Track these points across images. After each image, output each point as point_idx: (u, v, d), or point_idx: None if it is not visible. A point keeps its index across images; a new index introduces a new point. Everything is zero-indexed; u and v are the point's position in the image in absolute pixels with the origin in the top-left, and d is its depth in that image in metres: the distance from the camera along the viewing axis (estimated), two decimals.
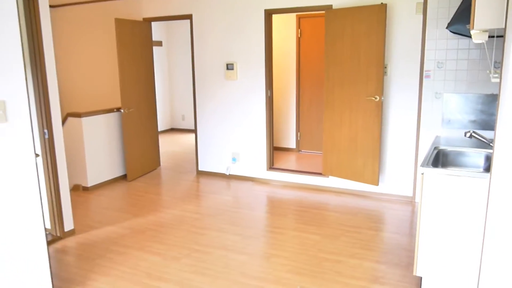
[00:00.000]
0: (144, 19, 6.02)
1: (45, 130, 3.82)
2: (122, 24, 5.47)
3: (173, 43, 9.50)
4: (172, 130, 9.92)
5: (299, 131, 6.71)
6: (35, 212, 2.73)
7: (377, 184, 4.72)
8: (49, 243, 3.93)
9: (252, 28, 5.30)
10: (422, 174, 2.78)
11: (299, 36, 6.42)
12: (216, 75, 5.68)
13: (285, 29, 6.50)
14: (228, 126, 5.74)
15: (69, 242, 3.97)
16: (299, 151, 6.74)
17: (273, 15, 6.33)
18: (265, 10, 5.17)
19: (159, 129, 9.56)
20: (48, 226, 4.08)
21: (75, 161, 5.44)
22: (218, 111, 5.76)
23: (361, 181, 4.83)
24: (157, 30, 9.26)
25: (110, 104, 6.55)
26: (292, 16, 6.38)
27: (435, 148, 3.32)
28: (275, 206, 4.77)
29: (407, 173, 4.76)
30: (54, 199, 3.97)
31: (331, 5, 4.79)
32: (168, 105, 9.84)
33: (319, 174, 5.27)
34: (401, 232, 3.98)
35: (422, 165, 2.80)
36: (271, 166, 5.65)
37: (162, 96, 9.63)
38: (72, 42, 6.90)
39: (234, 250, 3.69)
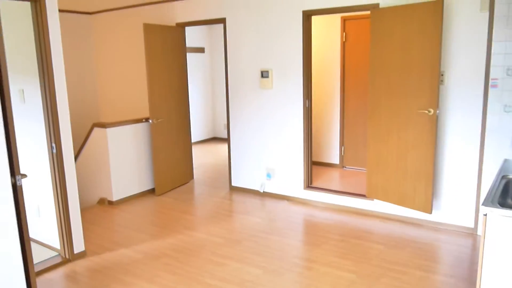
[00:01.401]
0: (177, 24, 5.69)
1: (53, 144, 3.51)
2: (151, 30, 5.15)
3: (216, 49, 9.16)
4: (214, 139, 9.57)
5: (343, 145, 6.06)
6: (10, 244, 2.37)
7: (430, 212, 4.01)
8: (56, 266, 3.64)
9: (289, 32, 4.78)
10: (485, 215, 2.12)
11: (344, 40, 5.80)
12: (250, 83, 5.20)
13: (329, 32, 5.90)
14: (263, 139, 5.24)
15: (77, 266, 3.64)
16: (343, 167, 6.09)
17: (314, 17, 5.78)
18: (303, 12, 4.63)
19: (200, 138, 9.26)
20: (58, 246, 3.79)
21: (101, 174, 5.17)
22: (252, 122, 5.28)
23: (411, 207, 4.13)
24: (200, 36, 8.97)
25: (147, 113, 6.26)
26: (336, 18, 5.77)
27: (503, 177, 2.62)
28: (309, 233, 4.20)
29: (467, 200, 4.01)
30: (62, 219, 3.66)
31: (378, 4, 4.16)
32: (210, 114, 9.52)
33: (363, 196, 4.63)
34: (458, 276, 3.26)
35: (485, 204, 2.14)
36: (309, 185, 5.07)
37: (204, 104, 9.31)
38: (110, 49, 6.72)
39: None
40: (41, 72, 3.43)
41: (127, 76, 6.54)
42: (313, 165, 6.21)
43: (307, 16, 4.66)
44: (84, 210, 5.06)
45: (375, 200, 4.50)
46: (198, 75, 9.05)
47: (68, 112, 3.58)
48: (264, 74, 5.02)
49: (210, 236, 4.15)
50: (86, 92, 6.93)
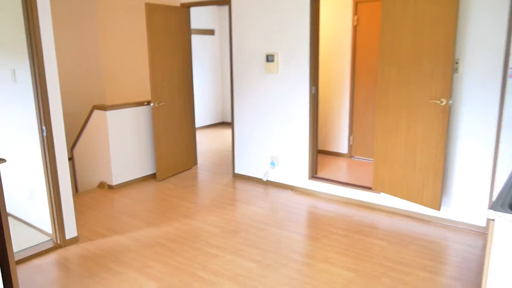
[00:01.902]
0: (181, 4, 5.48)
1: (43, 127, 3.38)
2: (153, 10, 4.95)
3: (226, 31, 8.93)
4: (223, 124, 9.41)
5: (351, 134, 5.83)
6: None
7: (438, 209, 3.79)
8: (47, 251, 3.55)
9: (296, 14, 4.53)
10: (493, 220, 1.91)
11: (355, 24, 5.51)
12: (255, 68, 4.99)
13: (339, 15, 5.61)
14: (267, 125, 5.04)
15: (68, 252, 3.54)
16: (351, 157, 5.86)
17: None
18: None
19: (208, 122, 9.11)
20: (50, 231, 3.69)
21: (101, 158, 5.06)
22: (257, 108, 5.08)
23: (419, 203, 3.92)
24: (209, 18, 8.74)
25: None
26: (348, 0, 5.47)
27: None
28: (310, 226, 4.02)
29: (479, 197, 3.77)
30: (54, 204, 3.55)
31: None
32: (219, 98, 9.33)
33: (369, 188, 4.42)
34: (464, 278, 3.06)
35: (494, 208, 1.93)
36: (313, 175, 4.87)
37: (213, 88, 9.13)
38: (116, 29, 6.55)
39: (244, 283, 3.01)
40: (30, 52, 3.28)
41: (134, 57, 6.38)
42: (321, 154, 6.01)
43: None
44: (83, 193, 4.97)
45: (381, 193, 4.29)
46: (207, 58, 8.86)
47: (59, 93, 3.43)
48: (269, 58, 4.80)
49: (206, 225, 4.01)
50: (92, 73, 6.80)
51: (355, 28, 5.51)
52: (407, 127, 3.88)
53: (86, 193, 4.97)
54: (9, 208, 4.22)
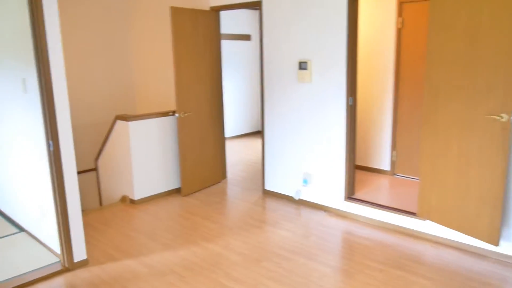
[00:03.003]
0: (211, 8, 5.16)
1: (50, 141, 3.13)
2: (179, 14, 4.66)
3: None
4: (259, 133, 9.03)
5: (394, 149, 5.26)
6: None
7: (497, 244, 3.20)
8: (53, 275, 3.31)
9: (332, 17, 4.08)
10: None
11: (400, 26, 4.95)
12: (287, 76, 4.57)
13: (381, 17, 5.06)
14: (299, 139, 4.61)
15: (75, 277, 3.26)
16: (393, 174, 5.29)
17: (363, 0, 5.05)
18: None
19: (244, 131, 8.76)
20: (59, 252, 3.44)
21: (123, 170, 4.81)
22: (289, 119, 4.66)
23: (472, 235, 3.34)
24: (246, 23, 8.41)
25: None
26: (391, 1, 4.93)
27: None
28: (343, 256, 3.54)
29: None
30: (61, 223, 3.29)
31: None
32: (255, 106, 8.97)
33: (413, 214, 3.88)
34: None
35: None
36: (350, 195, 4.38)
37: (249, 96, 8.78)
38: (149, 35, 6.34)
39: None
40: (37, 62, 3.04)
41: (165, 65, 6.13)
42: (360, 170, 5.50)
43: None
44: (104, 208, 4.74)
45: (427, 220, 3.74)
46: (243, 64, 8.53)
47: (67, 106, 3.17)
48: (302, 66, 4.37)
49: (227, 251, 3.62)
50: (122, 81, 6.62)
51: (399, 32, 4.95)
52: (458, 146, 3.32)
53: (108, 208, 4.73)
54: (24, 224, 4.05)
